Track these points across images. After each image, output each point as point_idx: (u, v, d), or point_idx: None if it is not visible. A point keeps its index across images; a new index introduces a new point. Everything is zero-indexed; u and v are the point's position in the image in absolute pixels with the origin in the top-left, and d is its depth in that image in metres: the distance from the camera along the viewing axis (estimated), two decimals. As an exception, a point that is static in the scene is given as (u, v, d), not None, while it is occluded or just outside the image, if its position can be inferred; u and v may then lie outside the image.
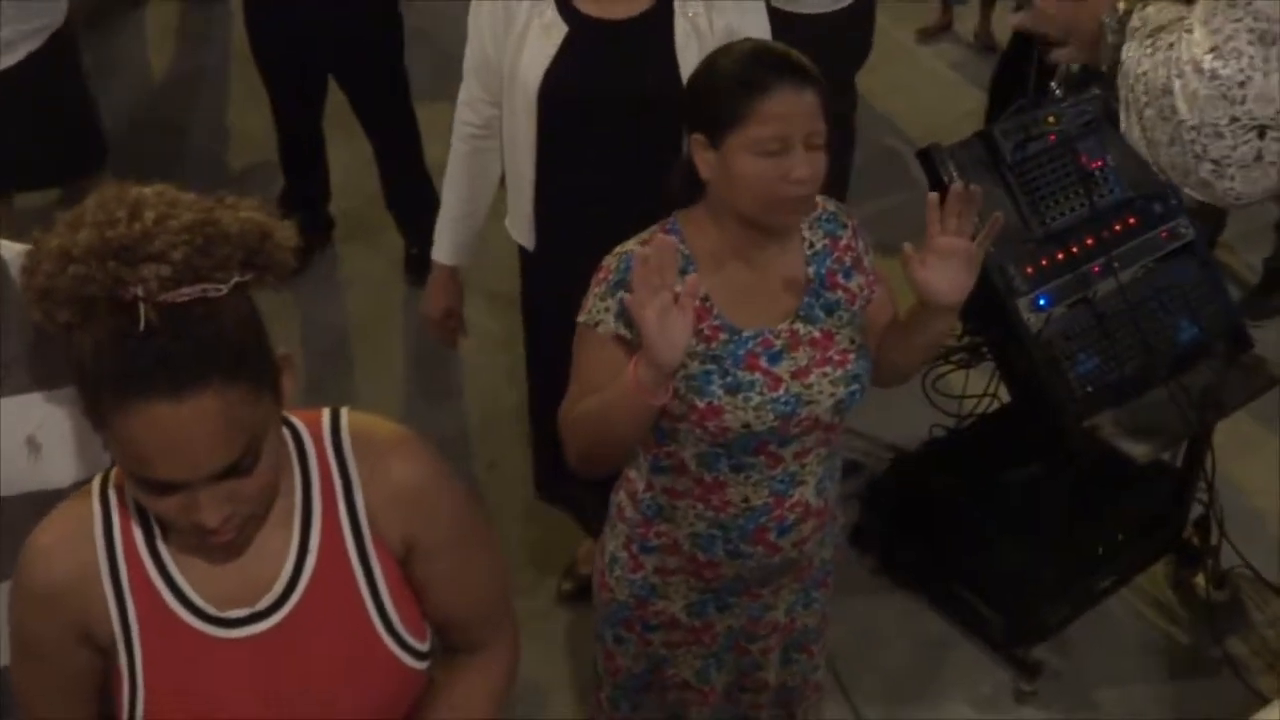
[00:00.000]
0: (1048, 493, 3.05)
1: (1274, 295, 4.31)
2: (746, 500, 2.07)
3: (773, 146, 1.90)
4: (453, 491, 1.60)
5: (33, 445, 1.64)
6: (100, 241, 1.27)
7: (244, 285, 1.33)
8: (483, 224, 2.85)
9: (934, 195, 1.92)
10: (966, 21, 5.88)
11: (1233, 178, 1.47)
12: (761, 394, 1.98)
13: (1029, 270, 2.83)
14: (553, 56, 2.49)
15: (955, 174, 2.80)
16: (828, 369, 2.02)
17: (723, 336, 1.99)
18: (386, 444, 1.56)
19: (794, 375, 2.00)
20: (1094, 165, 2.93)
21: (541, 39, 2.49)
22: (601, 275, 2.01)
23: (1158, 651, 3.28)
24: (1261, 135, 1.44)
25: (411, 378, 4.09)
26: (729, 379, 1.97)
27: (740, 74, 1.94)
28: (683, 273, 1.89)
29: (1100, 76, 2.95)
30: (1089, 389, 2.83)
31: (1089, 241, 2.90)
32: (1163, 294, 2.97)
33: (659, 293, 1.77)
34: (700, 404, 1.97)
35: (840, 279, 2.07)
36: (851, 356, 2.05)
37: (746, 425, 1.99)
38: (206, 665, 1.48)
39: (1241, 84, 1.42)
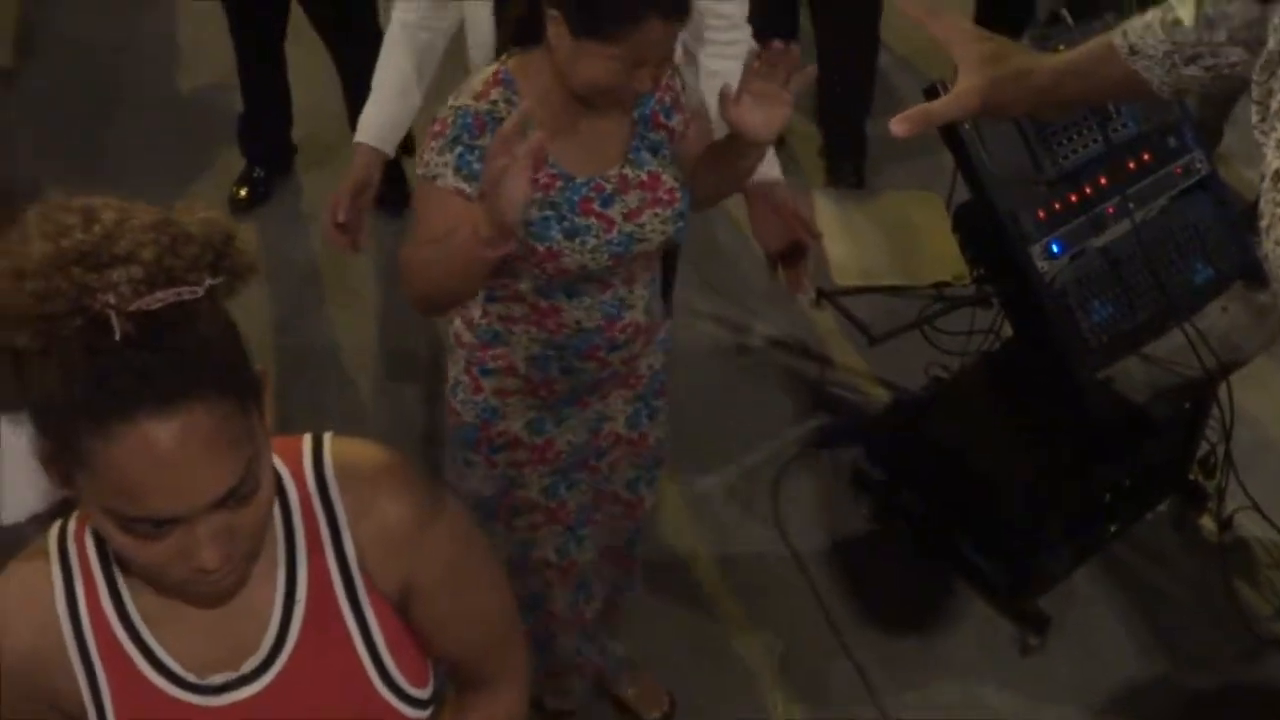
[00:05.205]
0: (1054, 439, 2.93)
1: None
2: (579, 323, 2.18)
3: (628, 65, 1.96)
4: (448, 522, 1.44)
5: None
6: (57, 251, 1.10)
7: (217, 289, 1.17)
8: (416, 112, 2.62)
9: (755, 49, 2.00)
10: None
11: None
12: (597, 237, 2.09)
13: (1041, 215, 2.67)
14: None
15: (964, 113, 2.64)
16: (658, 209, 2.14)
17: (559, 184, 2.08)
18: (374, 476, 1.40)
19: (626, 217, 2.11)
20: (1108, 98, 2.77)
21: None
22: (438, 129, 2.05)
23: (1163, 597, 3.18)
24: None
25: (386, 311, 3.88)
26: (566, 224, 2.08)
27: None
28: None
29: (1113, 3, 2.83)
30: (1104, 339, 2.70)
31: (1102, 181, 2.73)
32: (1178, 234, 2.83)
33: (506, 158, 1.78)
34: (540, 248, 2.07)
35: (662, 118, 2.16)
36: (678, 194, 2.16)
37: (583, 266, 2.10)
38: (188, 735, 1.35)
39: None
